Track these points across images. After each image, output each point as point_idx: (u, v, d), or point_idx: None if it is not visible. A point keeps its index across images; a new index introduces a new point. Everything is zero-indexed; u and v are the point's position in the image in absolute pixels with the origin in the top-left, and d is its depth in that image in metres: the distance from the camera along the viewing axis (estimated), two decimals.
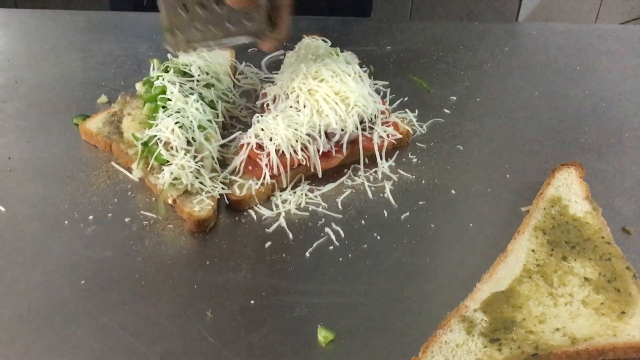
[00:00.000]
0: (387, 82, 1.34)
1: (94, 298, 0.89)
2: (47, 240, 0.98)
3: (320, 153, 1.09)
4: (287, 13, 1.07)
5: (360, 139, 1.12)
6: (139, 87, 1.21)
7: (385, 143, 1.14)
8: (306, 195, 1.07)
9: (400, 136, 1.16)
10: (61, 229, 1.00)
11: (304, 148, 1.07)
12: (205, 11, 1.02)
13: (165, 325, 0.86)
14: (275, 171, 1.05)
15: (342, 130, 1.09)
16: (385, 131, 1.14)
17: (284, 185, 1.08)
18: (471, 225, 1.03)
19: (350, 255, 0.97)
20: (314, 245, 0.99)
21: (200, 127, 1.08)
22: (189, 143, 1.05)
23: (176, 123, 1.05)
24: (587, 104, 1.31)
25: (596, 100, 1.32)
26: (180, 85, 1.13)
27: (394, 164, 1.14)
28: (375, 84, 1.32)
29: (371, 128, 1.13)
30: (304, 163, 1.07)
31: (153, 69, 1.26)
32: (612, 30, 1.60)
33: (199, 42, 1.05)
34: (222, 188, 1.05)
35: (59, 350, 0.83)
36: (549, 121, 1.26)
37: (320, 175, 1.09)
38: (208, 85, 1.19)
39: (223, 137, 1.14)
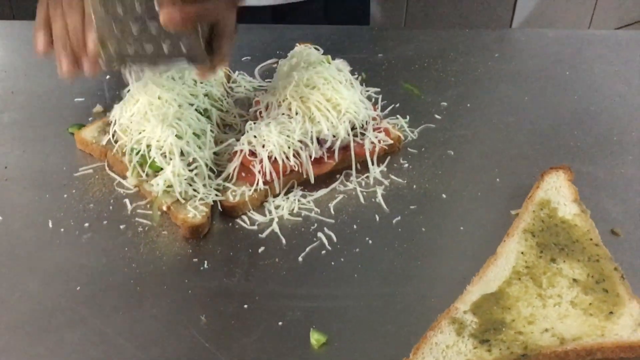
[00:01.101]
0: (378, 89, 1.35)
1: (89, 304, 0.91)
2: (43, 247, 1.00)
3: (313, 159, 1.10)
4: (228, 42, 0.99)
5: (352, 144, 1.13)
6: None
7: (377, 149, 1.15)
8: (299, 200, 1.08)
9: (392, 142, 1.17)
10: (57, 237, 1.01)
11: (296, 154, 1.08)
12: (138, 26, 0.94)
13: (160, 330, 0.87)
14: (268, 177, 1.07)
15: (334, 136, 1.11)
16: (376, 137, 1.15)
17: (277, 191, 1.09)
18: (462, 228, 1.04)
19: (342, 259, 0.98)
20: (307, 249, 1.00)
21: (194, 134, 1.09)
22: (182, 151, 1.06)
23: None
24: (577, 109, 1.33)
25: (586, 104, 1.34)
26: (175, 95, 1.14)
27: (385, 169, 1.15)
28: (367, 91, 1.34)
29: (362, 134, 1.15)
30: (296, 169, 1.08)
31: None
32: (603, 36, 1.61)
33: (131, 59, 0.98)
34: (216, 194, 1.06)
35: (54, 355, 0.84)
36: (538, 126, 1.28)
37: (312, 181, 1.10)
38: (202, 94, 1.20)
39: (216, 145, 1.15)
